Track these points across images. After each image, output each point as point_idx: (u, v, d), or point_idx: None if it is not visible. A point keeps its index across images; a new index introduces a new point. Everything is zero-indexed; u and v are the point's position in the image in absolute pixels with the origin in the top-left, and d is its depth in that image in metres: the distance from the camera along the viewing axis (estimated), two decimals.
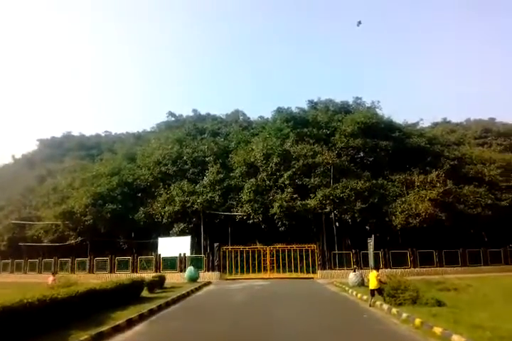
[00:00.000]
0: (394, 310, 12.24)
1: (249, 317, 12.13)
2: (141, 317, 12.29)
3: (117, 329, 10.39)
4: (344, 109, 40.01)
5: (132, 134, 56.55)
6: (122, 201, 35.51)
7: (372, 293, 13.93)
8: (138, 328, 10.87)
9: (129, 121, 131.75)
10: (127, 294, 15.70)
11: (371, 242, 20.19)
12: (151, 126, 54.41)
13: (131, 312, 12.74)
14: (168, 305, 15.38)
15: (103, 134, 64.46)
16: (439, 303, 12.89)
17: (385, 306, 13.18)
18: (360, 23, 29.34)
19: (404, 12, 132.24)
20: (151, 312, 13.28)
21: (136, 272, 29.42)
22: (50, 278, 20.06)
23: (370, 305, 14.02)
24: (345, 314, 12.77)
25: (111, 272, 30.18)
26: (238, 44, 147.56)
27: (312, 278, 26.86)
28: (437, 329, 9.10)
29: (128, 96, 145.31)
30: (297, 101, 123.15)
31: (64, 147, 57.63)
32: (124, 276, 25.19)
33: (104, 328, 10.08)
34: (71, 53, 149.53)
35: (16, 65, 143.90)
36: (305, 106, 41.46)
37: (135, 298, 16.38)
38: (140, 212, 34.26)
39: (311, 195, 31.59)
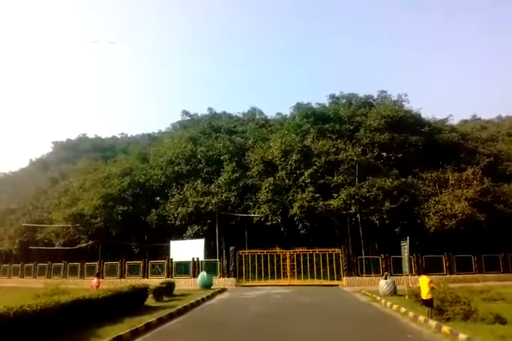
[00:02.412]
0: (445, 329, 9.74)
1: (266, 336, 9.85)
2: (134, 334, 10.12)
3: None
4: (368, 103, 37.50)
5: (147, 135, 55.32)
6: (134, 202, 33.84)
7: (428, 303, 11.47)
8: None
9: (145, 123, 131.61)
10: (127, 303, 13.64)
11: (406, 245, 17.63)
12: (166, 127, 53.05)
13: (124, 326, 10.62)
14: (171, 317, 13.20)
15: (119, 136, 63.67)
16: (500, 319, 10.35)
17: (432, 322, 10.70)
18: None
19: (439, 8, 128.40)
20: (148, 327, 11.12)
21: (147, 277, 27.67)
22: (93, 281, 18.41)
23: (430, 317, 11.40)
24: (383, 332, 10.27)
25: (121, 277, 28.47)
26: (253, 41, 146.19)
27: (337, 285, 24.41)
28: None
29: (143, 97, 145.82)
30: (316, 98, 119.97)
31: (79, 149, 56.82)
32: (134, 282, 23.46)
33: None
34: (86, 56, 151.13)
35: (31, 68, 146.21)
36: (325, 101, 39.25)
37: (137, 307, 14.30)
38: (152, 214, 32.46)
39: (335, 195, 29.11)
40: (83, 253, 35.07)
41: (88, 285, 26.21)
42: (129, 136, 62.59)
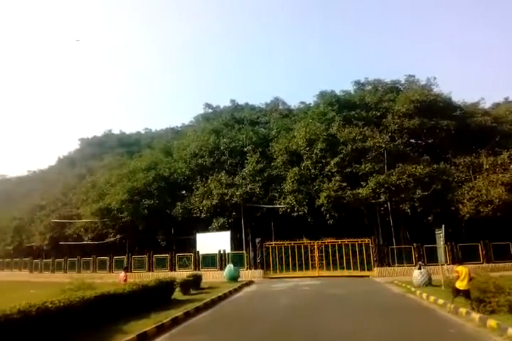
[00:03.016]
0: (491, 322, 8.95)
1: (296, 332, 9.34)
2: (160, 330, 9.81)
3: None
4: (395, 89, 36.00)
5: (170, 129, 55.35)
6: (159, 196, 33.84)
7: (457, 293, 10.76)
8: None
9: (168, 117, 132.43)
10: (153, 298, 13.39)
11: (441, 234, 16.69)
12: (189, 120, 52.84)
13: (150, 322, 10.34)
14: (198, 311, 12.89)
15: (143, 131, 63.92)
16: None
17: (475, 315, 9.93)
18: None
19: None
20: (175, 322, 10.80)
21: (175, 270, 27.76)
22: (121, 275, 18.46)
23: (448, 311, 10.87)
24: (423, 326, 9.56)
25: (149, 270, 28.66)
26: (274, 30, 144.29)
27: (368, 276, 23.71)
28: None
29: (166, 92, 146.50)
30: (340, 85, 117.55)
31: (105, 145, 57.42)
32: (162, 275, 23.51)
33: None
34: (108, 52, 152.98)
35: (57, 68, 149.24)
36: (350, 88, 37.92)
37: (164, 301, 14.06)
38: (178, 207, 32.40)
39: (363, 183, 28.16)
40: (111, 247, 35.52)
41: (116, 279, 26.62)
42: (153, 131, 62.75)
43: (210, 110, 46.73)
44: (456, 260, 22.62)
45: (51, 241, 38.66)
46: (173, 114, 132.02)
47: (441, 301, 12.38)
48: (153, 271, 28.46)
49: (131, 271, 29.35)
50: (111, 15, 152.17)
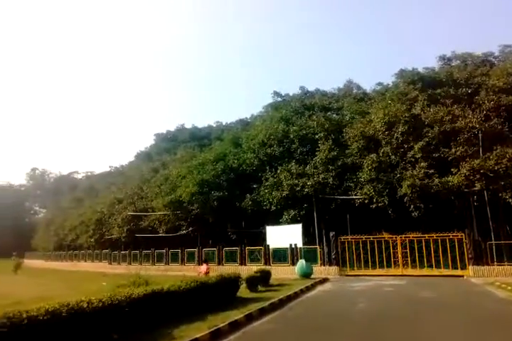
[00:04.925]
0: None
1: None
2: (214, 337, 8.26)
3: None
4: (488, 62, 31.32)
5: (240, 121, 54.68)
6: (228, 188, 32.90)
7: None
8: None
9: (238, 109, 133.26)
10: (215, 295, 12.01)
11: None
12: (259, 111, 51.59)
13: (204, 326, 8.86)
14: (263, 312, 11.21)
15: (214, 125, 64.34)
16: None
17: None
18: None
19: None
20: (234, 327, 9.20)
21: (245, 264, 26.60)
22: (202, 267, 17.94)
23: None
24: None
25: (219, 264, 27.80)
26: (346, 7, 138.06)
27: (462, 275, 20.42)
28: None
29: (237, 84, 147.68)
30: (422, 63, 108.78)
31: (177, 139, 58.59)
32: (232, 269, 22.47)
33: None
34: (178, 50, 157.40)
35: (135, 68, 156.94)
36: (434, 65, 33.79)
37: (227, 299, 12.64)
38: (247, 199, 31.16)
39: (453, 170, 24.49)
40: (184, 240, 35.45)
41: (187, 272, 26.12)
42: (223, 123, 62.97)
43: (279, 99, 44.83)
44: None
45: (128, 233, 39.70)
46: (243, 106, 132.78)
47: None
48: (223, 264, 27.59)
49: (201, 264, 28.86)
50: (184, 11, 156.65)
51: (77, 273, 32.69)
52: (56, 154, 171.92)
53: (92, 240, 45.65)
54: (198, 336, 7.96)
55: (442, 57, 33.37)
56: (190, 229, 34.87)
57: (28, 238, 69.13)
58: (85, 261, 44.16)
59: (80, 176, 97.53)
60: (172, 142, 58.48)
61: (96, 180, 68.33)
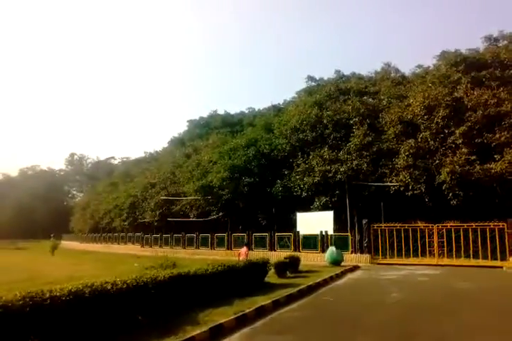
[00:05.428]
0: None
1: None
2: (240, 322, 8.04)
3: None
4: None
5: (272, 106, 53.81)
6: (259, 174, 32.55)
7: None
8: None
9: (272, 95, 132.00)
10: (242, 280, 11.82)
11: None
12: (292, 96, 50.47)
13: (230, 311, 8.64)
14: (290, 299, 10.93)
15: (246, 111, 63.77)
16: None
17: None
18: None
19: None
20: (260, 313, 8.96)
21: (274, 250, 26.49)
22: (242, 249, 17.84)
23: None
24: None
25: (249, 249, 27.64)
26: None
27: (501, 267, 19.32)
28: None
29: (270, 69, 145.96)
30: (466, 44, 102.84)
31: (210, 126, 58.53)
32: (261, 254, 22.32)
33: None
34: (217, 38, 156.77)
35: (172, 57, 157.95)
36: (479, 46, 31.73)
37: (255, 285, 12.43)
38: (277, 185, 30.77)
39: (496, 157, 23.05)
40: (215, 224, 35.67)
41: (217, 256, 26.26)
42: (256, 109, 62.27)
43: (313, 83, 43.52)
44: None
45: (160, 217, 40.37)
46: (276, 92, 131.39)
47: None
48: (252, 250, 27.43)
49: (231, 249, 28.95)
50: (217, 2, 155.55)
51: (110, 255, 33.60)
52: (94, 140, 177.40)
53: (126, 223, 46.77)
54: (222, 321, 7.75)
55: (488, 38, 31.30)
56: (221, 214, 34.96)
57: (66, 220, 72.09)
58: (118, 243, 45.37)
59: (116, 162, 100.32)
60: (205, 128, 58.48)
61: (131, 165, 69.71)
